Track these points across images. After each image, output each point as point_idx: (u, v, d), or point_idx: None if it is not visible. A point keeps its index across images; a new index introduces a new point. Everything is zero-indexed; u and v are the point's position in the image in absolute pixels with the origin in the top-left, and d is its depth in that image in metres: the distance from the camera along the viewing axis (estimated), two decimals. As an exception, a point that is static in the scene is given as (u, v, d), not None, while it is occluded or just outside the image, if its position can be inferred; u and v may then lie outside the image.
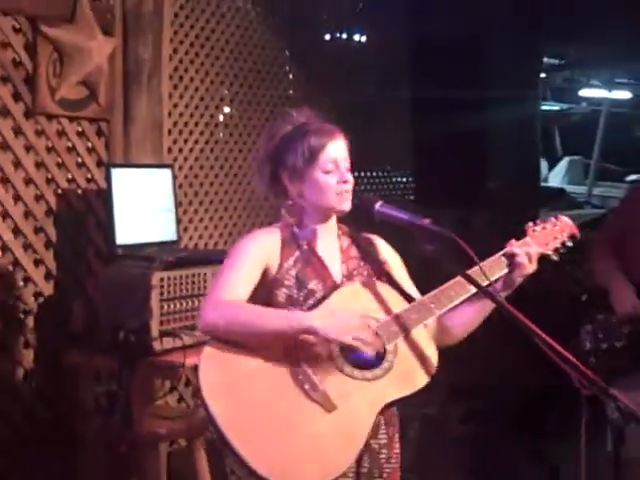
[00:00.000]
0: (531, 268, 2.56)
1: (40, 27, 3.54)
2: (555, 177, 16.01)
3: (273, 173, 2.52)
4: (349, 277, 2.54)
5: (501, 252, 2.57)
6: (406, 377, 2.45)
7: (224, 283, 2.38)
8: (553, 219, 2.72)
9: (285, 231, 2.50)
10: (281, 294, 2.43)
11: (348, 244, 2.61)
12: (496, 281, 2.55)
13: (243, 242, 2.48)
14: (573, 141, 17.11)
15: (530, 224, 2.68)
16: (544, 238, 2.66)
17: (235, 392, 2.26)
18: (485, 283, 2.46)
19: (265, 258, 2.43)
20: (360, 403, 2.36)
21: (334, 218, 2.57)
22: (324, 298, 2.43)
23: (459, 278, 2.53)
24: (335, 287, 2.47)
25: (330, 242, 2.57)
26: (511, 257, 2.55)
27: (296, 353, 2.34)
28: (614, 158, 16.72)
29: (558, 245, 2.68)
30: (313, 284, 2.45)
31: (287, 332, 2.32)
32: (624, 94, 13.64)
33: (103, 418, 3.39)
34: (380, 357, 2.41)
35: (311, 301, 2.43)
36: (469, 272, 2.48)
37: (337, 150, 2.51)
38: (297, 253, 2.48)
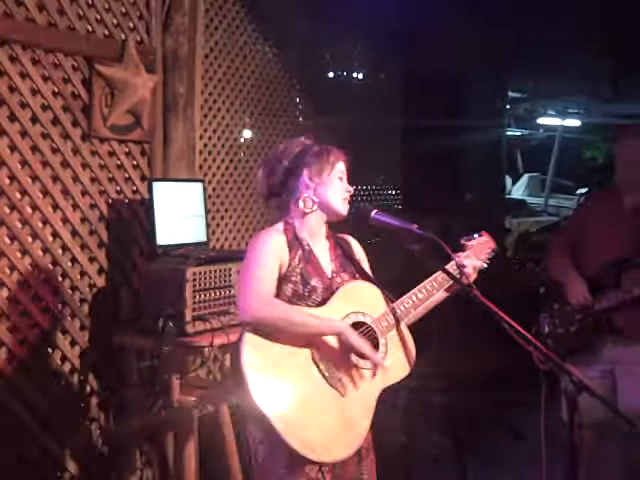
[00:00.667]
0: (474, 277, 2.61)
1: (95, 66, 3.53)
2: (517, 190, 16.03)
3: (290, 170, 2.48)
4: (337, 274, 2.53)
5: (452, 262, 2.58)
6: (397, 365, 2.48)
7: (258, 279, 2.34)
8: (478, 236, 2.76)
9: (288, 233, 2.46)
10: (288, 289, 2.40)
11: (333, 244, 2.60)
12: (451, 286, 2.61)
13: (260, 243, 2.42)
14: (532, 161, 17.13)
15: (464, 240, 2.71)
16: (479, 251, 2.71)
17: (272, 372, 2.25)
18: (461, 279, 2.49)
19: (279, 258, 2.41)
20: (365, 389, 2.40)
21: (325, 221, 2.55)
22: (328, 294, 2.43)
23: (434, 277, 2.56)
24: (330, 284, 2.47)
25: (321, 242, 2.56)
26: (461, 267, 2.58)
27: (316, 344, 2.35)
28: (566, 175, 16.72)
29: (488, 258, 2.75)
30: (314, 281, 2.44)
31: (323, 332, 2.35)
32: (575, 122, 13.64)
33: (146, 388, 3.38)
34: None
35: (315, 296, 2.42)
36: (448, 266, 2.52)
37: (344, 167, 2.53)
38: (300, 252, 2.45)
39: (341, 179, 2.51)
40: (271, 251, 2.40)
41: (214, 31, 4.29)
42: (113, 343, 3.52)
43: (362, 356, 2.38)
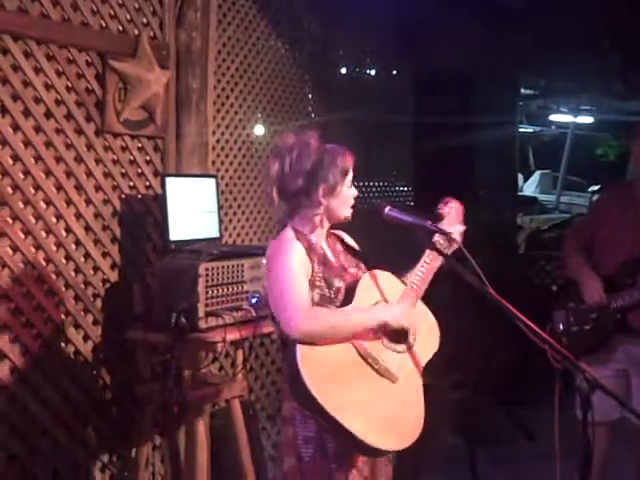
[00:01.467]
0: (459, 241, 2.59)
1: (108, 61, 3.53)
2: (529, 187, 15.98)
3: (305, 187, 2.45)
4: (345, 269, 2.54)
5: (437, 235, 2.57)
6: (427, 341, 2.52)
7: (297, 292, 2.34)
8: (448, 202, 2.69)
9: (302, 240, 2.45)
10: (315, 295, 2.41)
11: (333, 241, 2.61)
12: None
13: (285, 255, 2.40)
14: (544, 158, 17.07)
15: (440, 207, 2.66)
16: (455, 216, 2.68)
17: (334, 380, 2.27)
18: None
19: (305, 267, 2.41)
20: (410, 370, 2.44)
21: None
22: (349, 292, 2.44)
23: (425, 255, 2.54)
24: (350, 281, 2.47)
25: (326, 242, 2.57)
26: (448, 235, 2.56)
27: (358, 341, 2.36)
28: (578, 172, 16.66)
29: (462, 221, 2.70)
30: (337, 282, 2.45)
31: (369, 327, 2.37)
32: (587, 119, 13.59)
33: (158, 383, 3.38)
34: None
35: (340, 296, 2.44)
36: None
37: (351, 170, 2.53)
38: (316, 258, 2.46)
39: (350, 187, 2.51)
40: (297, 260, 2.40)
41: (227, 27, 4.29)
42: (126, 338, 3.52)
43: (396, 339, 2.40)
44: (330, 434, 2.31)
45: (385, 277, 2.53)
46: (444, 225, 2.60)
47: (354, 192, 2.53)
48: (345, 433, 2.21)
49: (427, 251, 2.54)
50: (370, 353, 2.36)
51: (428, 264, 2.53)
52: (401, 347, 2.43)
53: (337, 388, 2.26)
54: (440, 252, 2.51)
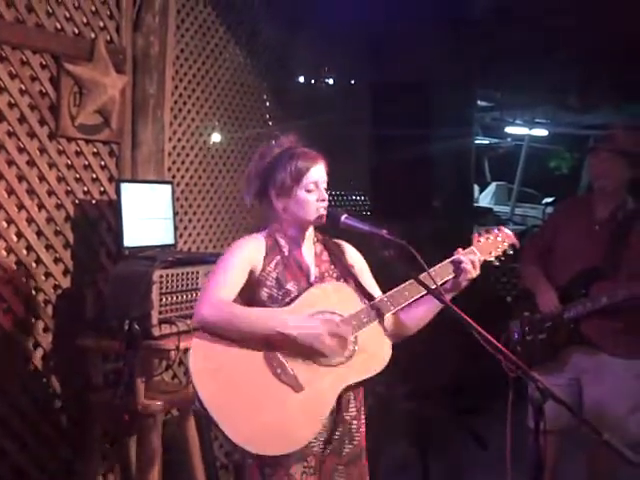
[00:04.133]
0: (475, 273, 2.55)
1: (63, 64, 3.49)
2: (484, 198, 16.16)
3: (262, 188, 2.50)
4: (321, 278, 2.52)
5: (449, 259, 2.57)
6: (364, 364, 2.46)
7: (217, 283, 2.36)
8: (496, 230, 2.71)
9: (269, 239, 2.48)
10: (263, 293, 2.42)
11: (321, 249, 2.60)
12: (444, 283, 2.54)
13: (234, 248, 2.45)
14: (499, 169, 17.29)
15: (476, 234, 2.65)
16: (487, 247, 2.65)
17: (218, 376, 2.28)
18: (433, 285, 2.45)
19: (251, 262, 2.42)
20: (325, 385, 2.38)
21: (311, 227, 2.56)
22: (297, 297, 2.43)
23: (413, 280, 2.53)
24: (307, 288, 2.46)
25: (307, 248, 2.56)
26: (457, 263, 2.55)
27: (272, 343, 2.34)
28: (532, 184, 16.90)
29: (499, 253, 2.67)
30: (290, 285, 2.44)
31: (269, 334, 2.33)
32: (542, 132, 13.79)
33: (110, 391, 3.34)
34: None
35: (288, 299, 2.42)
36: (421, 277, 2.48)
37: (318, 173, 2.50)
38: (278, 258, 2.46)
39: (310, 191, 2.48)
40: (241, 256, 2.41)
41: (185, 32, 4.27)
42: (77, 345, 3.47)
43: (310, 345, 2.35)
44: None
45: (342, 291, 2.51)
46: (464, 252, 2.57)
47: (321, 196, 2.50)
48: (217, 429, 2.24)
49: (410, 281, 2.50)
50: (280, 359, 2.34)
51: (404, 296, 2.50)
52: (325, 360, 2.38)
53: (221, 385, 2.26)
54: (425, 287, 2.44)
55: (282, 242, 2.50)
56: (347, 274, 2.59)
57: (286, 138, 2.55)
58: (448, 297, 2.49)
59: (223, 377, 2.28)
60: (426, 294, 2.49)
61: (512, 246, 2.72)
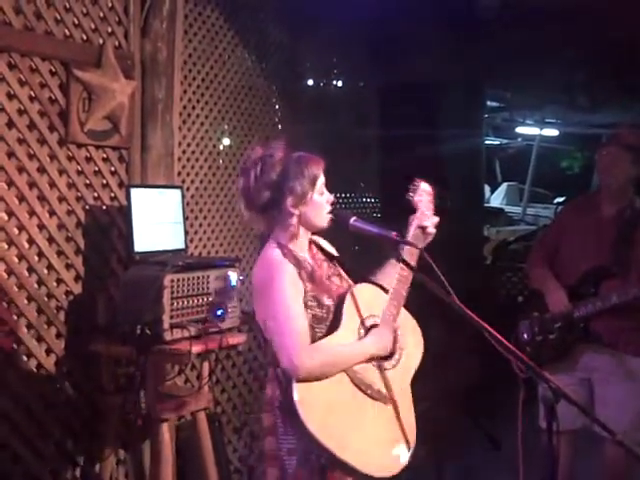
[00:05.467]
0: (434, 233, 2.68)
1: (72, 70, 3.51)
2: (495, 199, 16.13)
3: (273, 199, 2.44)
4: (328, 280, 2.52)
5: (413, 227, 2.65)
6: (414, 348, 2.57)
7: (296, 326, 2.31)
8: (418, 186, 2.76)
9: (290, 257, 2.42)
10: (308, 314, 2.38)
11: (316, 250, 2.60)
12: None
13: (278, 282, 2.36)
14: (510, 170, 17.25)
15: (411, 196, 2.71)
16: (428, 205, 2.73)
17: (328, 418, 2.26)
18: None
19: (299, 291, 2.38)
20: (400, 384, 2.48)
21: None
22: (338, 313, 2.42)
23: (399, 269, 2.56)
24: (339, 300, 2.45)
25: (309, 252, 2.56)
26: (422, 229, 2.65)
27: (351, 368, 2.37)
28: (543, 184, 16.86)
29: (434, 205, 2.76)
30: (326, 299, 2.43)
31: (362, 360, 2.38)
32: (552, 132, 13.76)
33: (122, 396, 3.35)
34: None
35: (330, 315, 2.42)
36: (405, 251, 2.56)
37: (323, 176, 2.51)
38: (304, 274, 2.42)
39: (322, 194, 2.49)
40: (291, 284, 2.36)
41: (193, 37, 4.28)
42: (89, 351, 3.48)
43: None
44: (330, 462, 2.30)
45: (366, 291, 2.53)
46: (419, 215, 2.66)
47: (329, 197, 2.51)
48: (348, 467, 2.25)
49: (398, 265, 2.55)
50: (362, 379, 2.37)
51: (402, 276, 2.55)
52: (389, 364, 2.46)
53: (336, 424, 2.26)
54: (408, 265, 2.51)
55: (299, 254, 2.46)
56: (337, 264, 2.62)
57: (277, 144, 2.51)
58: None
59: (337, 415, 2.28)
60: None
61: (432, 195, 2.77)
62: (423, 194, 2.74)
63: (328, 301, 2.43)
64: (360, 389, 2.36)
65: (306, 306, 2.38)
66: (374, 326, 2.46)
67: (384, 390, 2.41)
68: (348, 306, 2.44)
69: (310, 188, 2.44)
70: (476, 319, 2.25)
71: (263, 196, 2.43)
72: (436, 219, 2.69)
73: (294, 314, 2.32)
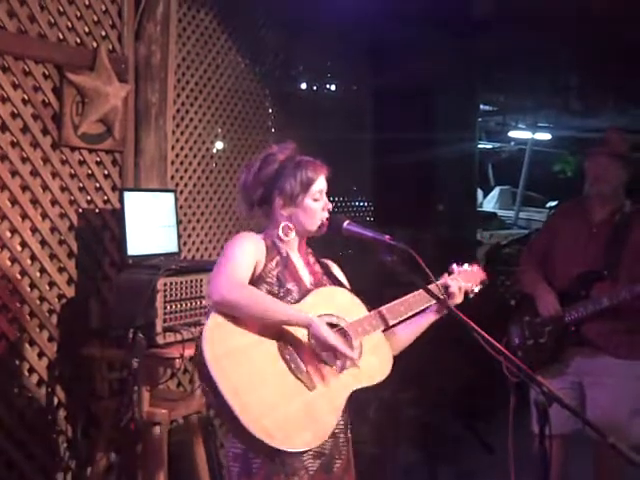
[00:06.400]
0: (459, 299, 2.62)
1: (66, 74, 3.51)
2: (488, 203, 16.14)
3: (264, 196, 2.47)
4: (317, 286, 2.52)
5: (438, 282, 2.59)
6: (371, 368, 2.45)
7: (233, 265, 2.30)
8: (469, 265, 2.78)
9: (267, 240, 2.45)
10: (263, 290, 2.37)
11: (314, 260, 2.61)
12: (429, 306, 2.60)
13: (239, 239, 2.39)
14: (503, 174, 17.27)
15: (454, 266, 2.71)
16: (467, 277, 2.71)
17: (234, 359, 2.19)
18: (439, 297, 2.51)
19: (255, 256, 2.39)
20: (334, 388, 2.35)
21: (304, 238, 2.56)
22: (303, 296, 2.41)
23: (416, 292, 2.55)
24: (310, 289, 2.45)
25: (301, 255, 2.56)
26: (445, 288, 2.60)
27: (285, 336, 2.31)
28: (536, 188, 16.89)
29: (477, 287, 2.76)
30: (290, 285, 2.42)
31: (292, 321, 2.30)
32: (545, 135, 13.79)
33: (115, 400, 3.35)
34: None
35: (290, 298, 2.40)
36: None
37: (323, 183, 2.51)
38: (278, 258, 2.44)
39: (317, 200, 2.49)
40: (248, 249, 2.37)
41: (187, 40, 4.28)
42: (82, 354, 3.48)
43: (332, 351, 2.33)
44: (220, 416, 2.23)
45: (347, 297, 2.52)
46: (450, 278, 2.64)
47: (326, 204, 2.52)
48: (230, 416, 2.13)
49: (416, 292, 2.55)
50: (293, 353, 2.30)
51: (409, 304, 2.56)
52: (333, 362, 2.36)
53: (237, 368, 2.17)
54: (430, 293, 2.50)
55: (280, 245, 2.47)
56: (339, 284, 2.59)
57: (285, 146, 2.55)
58: (434, 317, 2.58)
59: (239, 361, 2.19)
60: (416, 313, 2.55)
61: (482, 283, 2.80)
62: (471, 272, 2.75)
63: (292, 286, 2.41)
64: (284, 360, 2.28)
65: (263, 280, 2.38)
66: (332, 325, 2.38)
67: (315, 378, 2.31)
68: (316, 294, 2.43)
69: (301, 191, 2.44)
70: (468, 322, 2.27)
71: (257, 192, 2.47)
72: (467, 285, 2.67)
73: (237, 259, 2.31)
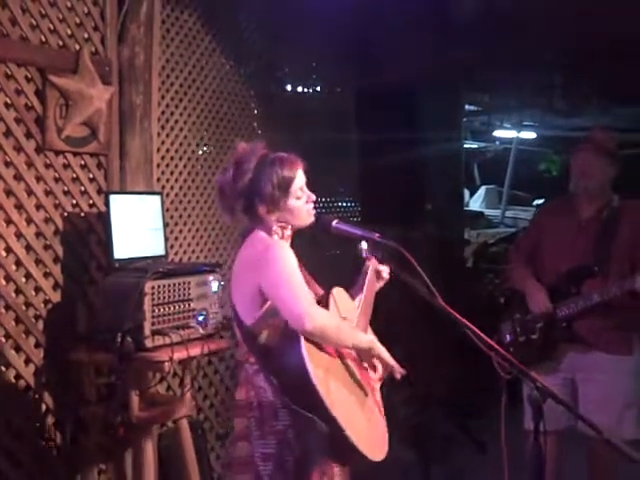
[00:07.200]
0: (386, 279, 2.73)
1: (49, 77, 3.47)
2: (475, 202, 16.15)
3: (248, 205, 2.45)
4: (308, 283, 2.51)
5: (370, 270, 2.68)
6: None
7: (304, 291, 2.33)
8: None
9: (286, 239, 2.49)
10: None
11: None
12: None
13: (284, 253, 2.39)
14: (489, 173, 17.30)
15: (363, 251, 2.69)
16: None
17: (326, 381, 2.26)
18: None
19: (297, 266, 2.42)
20: (372, 386, 2.53)
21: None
22: (325, 301, 2.44)
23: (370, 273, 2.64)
24: (323, 292, 2.50)
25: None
26: (377, 273, 2.70)
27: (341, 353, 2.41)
28: (522, 187, 16.93)
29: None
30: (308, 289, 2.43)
31: (361, 344, 2.41)
32: (530, 134, 13.82)
33: (104, 405, 3.31)
34: None
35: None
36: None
37: (301, 178, 2.49)
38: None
39: (300, 197, 2.47)
40: (293, 262, 2.39)
41: (170, 42, 4.24)
42: (70, 359, 3.44)
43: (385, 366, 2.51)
44: (312, 434, 2.28)
45: (342, 294, 2.55)
46: (374, 262, 2.68)
47: (309, 196, 2.50)
48: (339, 433, 2.20)
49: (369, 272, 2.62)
50: (349, 365, 2.40)
51: (370, 285, 2.62)
52: (376, 374, 2.53)
53: (333, 388, 2.26)
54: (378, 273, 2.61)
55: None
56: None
57: (255, 147, 2.50)
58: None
59: (333, 382, 2.28)
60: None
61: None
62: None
63: (308, 290, 2.43)
64: (349, 372, 2.39)
65: None
66: None
67: (365, 386, 2.45)
68: (333, 301, 2.45)
69: (282, 195, 2.43)
70: (461, 319, 2.25)
71: (237, 203, 2.46)
72: (387, 268, 2.72)
73: (300, 280, 2.33)
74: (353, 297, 2.60)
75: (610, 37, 5.82)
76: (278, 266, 2.33)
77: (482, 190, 16.75)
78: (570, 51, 6.45)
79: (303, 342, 2.23)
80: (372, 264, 2.65)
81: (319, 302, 2.41)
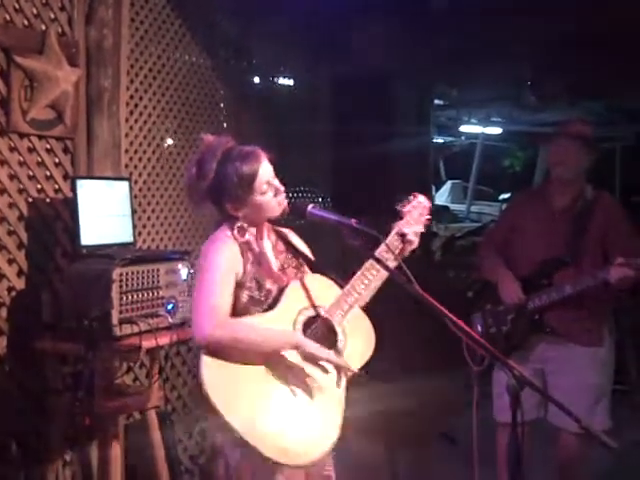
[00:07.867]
0: (417, 243, 2.61)
1: (13, 57, 3.36)
2: (440, 197, 16.22)
3: (215, 204, 2.44)
4: (282, 270, 2.48)
5: (393, 233, 2.58)
6: (359, 350, 2.46)
7: (214, 297, 2.29)
8: (413, 198, 2.72)
9: (239, 237, 2.41)
10: (244, 296, 2.36)
11: (276, 239, 2.56)
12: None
13: (214, 256, 2.35)
14: (454, 168, 17.41)
15: (399, 206, 2.68)
16: (416, 215, 2.67)
17: (232, 389, 2.23)
18: (394, 263, 2.47)
19: (234, 269, 2.36)
20: (331, 385, 2.39)
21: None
22: (278, 297, 2.39)
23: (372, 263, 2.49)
24: (284, 285, 2.42)
25: (265, 240, 2.51)
26: (402, 236, 2.58)
27: (272, 359, 2.32)
28: (487, 182, 17.06)
29: (427, 221, 2.71)
30: (269, 284, 2.40)
31: (281, 348, 2.31)
32: (496, 130, 13.89)
33: (69, 395, 3.23)
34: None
35: (270, 299, 2.39)
36: (379, 251, 2.48)
37: (266, 171, 2.44)
38: (251, 257, 2.40)
39: (265, 192, 2.42)
40: (226, 262, 2.34)
41: (140, 25, 4.14)
42: (34, 348, 3.34)
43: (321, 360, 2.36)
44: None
45: (318, 281, 2.49)
46: (402, 224, 2.59)
47: (277, 187, 2.45)
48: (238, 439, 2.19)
49: (370, 261, 2.49)
50: (284, 371, 2.32)
51: (374, 276, 2.50)
52: (323, 374, 2.40)
53: (235, 397, 2.22)
54: (384, 265, 2.43)
55: (251, 239, 2.44)
56: (302, 260, 2.58)
57: (218, 141, 2.45)
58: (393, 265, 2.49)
59: (239, 391, 2.24)
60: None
61: (429, 211, 2.75)
62: (417, 206, 2.69)
63: (270, 285, 2.40)
64: (279, 380, 2.31)
65: (244, 286, 2.36)
66: (314, 318, 2.42)
67: (312, 387, 2.35)
68: (291, 291, 2.41)
69: (247, 192, 2.39)
70: (441, 308, 2.21)
71: (206, 202, 2.45)
72: (419, 228, 2.63)
73: (216, 286, 2.30)
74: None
75: (579, 31, 5.85)
76: (202, 269, 2.36)
77: (448, 185, 16.85)
78: (538, 44, 6.47)
79: (203, 358, 2.25)
80: (398, 226, 2.59)
81: (276, 295, 2.39)
